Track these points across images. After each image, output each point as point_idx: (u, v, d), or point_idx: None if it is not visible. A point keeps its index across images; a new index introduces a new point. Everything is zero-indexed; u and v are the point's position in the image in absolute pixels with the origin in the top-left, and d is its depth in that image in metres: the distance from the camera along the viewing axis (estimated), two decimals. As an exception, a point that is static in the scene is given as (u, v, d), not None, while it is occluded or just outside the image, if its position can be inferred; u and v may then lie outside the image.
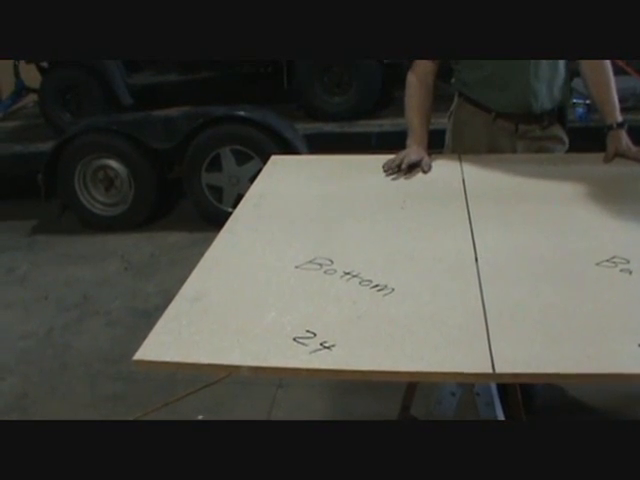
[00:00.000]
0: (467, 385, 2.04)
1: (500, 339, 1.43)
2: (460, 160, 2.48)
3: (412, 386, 2.52)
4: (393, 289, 1.65)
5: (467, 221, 2.00)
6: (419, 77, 2.51)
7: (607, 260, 1.74)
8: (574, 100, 4.69)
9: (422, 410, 2.52)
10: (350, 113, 5.32)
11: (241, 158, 4.86)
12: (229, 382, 3.14)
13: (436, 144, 2.65)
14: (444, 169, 2.42)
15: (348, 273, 1.73)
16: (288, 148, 4.70)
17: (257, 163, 4.66)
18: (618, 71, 2.57)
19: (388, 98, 5.38)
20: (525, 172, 2.33)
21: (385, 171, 2.41)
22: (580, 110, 4.74)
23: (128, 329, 3.80)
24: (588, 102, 4.51)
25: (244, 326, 1.53)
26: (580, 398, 2.96)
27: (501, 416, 2.06)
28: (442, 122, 2.74)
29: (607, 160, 2.39)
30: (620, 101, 2.44)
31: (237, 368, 1.44)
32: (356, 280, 1.70)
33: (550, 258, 1.78)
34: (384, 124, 5.17)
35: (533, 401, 2.76)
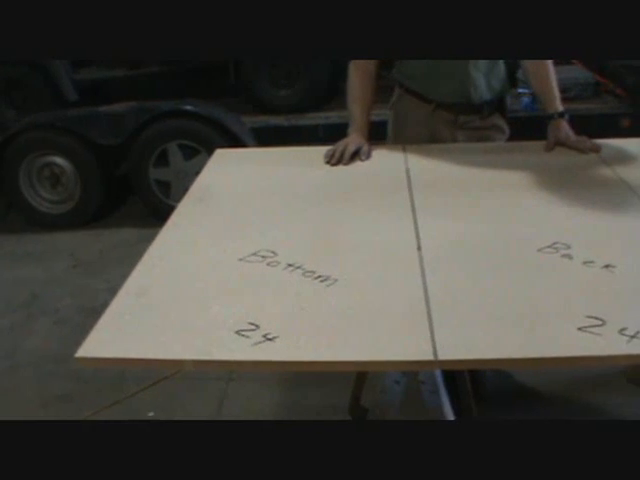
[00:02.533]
0: (411, 373, 2.06)
1: (442, 326, 1.45)
2: (404, 150, 2.49)
3: (362, 376, 2.53)
4: (336, 280, 1.65)
5: (410, 211, 2.01)
6: (361, 67, 2.52)
7: (549, 246, 1.76)
8: (520, 90, 4.74)
9: (372, 400, 2.54)
10: (297, 106, 5.33)
11: (188, 153, 4.82)
12: (180, 378, 3.12)
13: (380, 135, 2.66)
14: (389, 159, 2.43)
15: (291, 265, 1.73)
16: (236, 142, 4.67)
17: (204, 157, 4.57)
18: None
19: (335, 90, 5.37)
20: (469, 161, 2.35)
21: (327, 161, 2.42)
22: (526, 100, 4.78)
23: (77, 327, 3.74)
24: (533, 92, 4.57)
25: (187, 320, 1.53)
26: (529, 383, 3.00)
27: (447, 404, 2.08)
28: (385, 113, 2.75)
29: (548, 149, 2.43)
30: (563, 91, 2.46)
31: (181, 362, 1.44)
32: (299, 271, 1.70)
33: (492, 245, 1.80)
34: (331, 116, 5.18)
35: (482, 388, 2.78)
